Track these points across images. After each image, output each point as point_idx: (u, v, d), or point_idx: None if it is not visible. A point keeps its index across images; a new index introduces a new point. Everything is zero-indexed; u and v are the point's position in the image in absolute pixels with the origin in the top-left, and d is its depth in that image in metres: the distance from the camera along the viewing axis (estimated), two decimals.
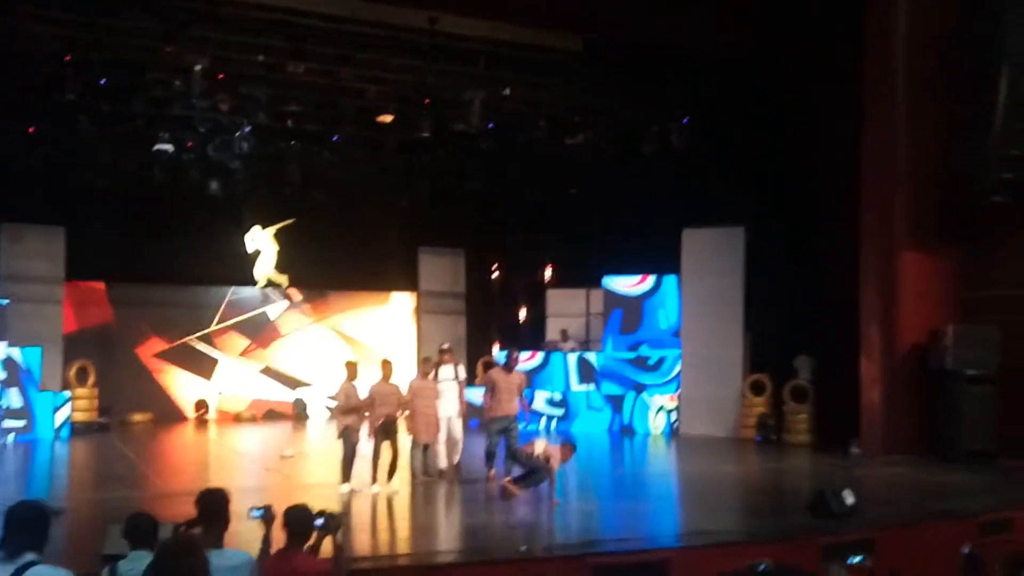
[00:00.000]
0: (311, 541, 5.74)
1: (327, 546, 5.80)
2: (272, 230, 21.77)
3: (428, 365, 13.05)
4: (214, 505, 5.32)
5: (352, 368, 12.49)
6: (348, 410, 12.06)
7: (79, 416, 18.94)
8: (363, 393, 12.29)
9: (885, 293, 15.84)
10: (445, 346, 13.93)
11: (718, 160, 18.02)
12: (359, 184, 20.83)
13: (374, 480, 11.86)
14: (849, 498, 10.22)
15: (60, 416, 18.24)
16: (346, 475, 11.83)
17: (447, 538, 9.78)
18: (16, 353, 17.65)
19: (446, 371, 13.28)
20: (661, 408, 19.93)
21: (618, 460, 16.88)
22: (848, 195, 16.34)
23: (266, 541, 5.87)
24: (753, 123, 17.53)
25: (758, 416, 18.51)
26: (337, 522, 5.81)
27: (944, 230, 15.73)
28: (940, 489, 12.54)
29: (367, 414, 12.10)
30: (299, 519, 5.62)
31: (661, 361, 20.06)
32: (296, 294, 23.51)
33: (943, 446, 15.10)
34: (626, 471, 15.67)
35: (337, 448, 12.17)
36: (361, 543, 8.36)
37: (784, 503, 12.15)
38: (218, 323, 23.02)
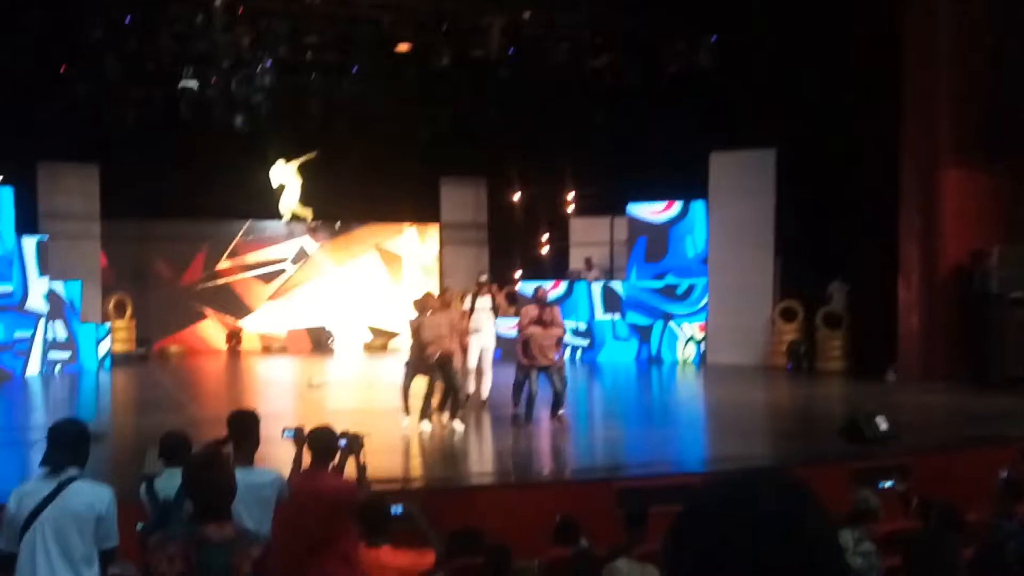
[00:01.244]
0: (335, 461, 5.87)
1: (351, 466, 5.92)
2: (295, 164, 21.86)
3: (449, 295, 12.95)
4: (244, 425, 5.46)
5: (426, 300, 11.90)
6: (421, 342, 11.27)
7: (118, 347, 19.43)
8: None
9: (926, 213, 15.46)
10: (483, 278, 13.76)
11: (747, 79, 17.37)
12: (379, 115, 20.73)
13: (424, 415, 11.16)
14: (882, 423, 10.15)
15: (103, 347, 18.67)
16: (407, 407, 11.33)
17: (470, 463, 9.89)
18: (59, 287, 18.01)
19: (483, 302, 13.18)
20: (691, 338, 19.79)
21: (645, 389, 16.92)
22: (886, 113, 15.79)
23: (297, 461, 6.04)
24: (784, 39, 16.78)
25: (789, 343, 18.18)
26: (360, 443, 5.92)
27: (989, 148, 15.13)
28: (978, 415, 12.29)
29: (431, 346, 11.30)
30: (322, 439, 5.74)
31: (690, 290, 19.84)
32: (320, 226, 23.64)
33: (983, 371, 14.78)
34: (653, 400, 15.73)
35: (380, 378, 12.10)
36: (384, 466, 8.46)
37: (815, 429, 12.06)
38: (245, 257, 23.28)
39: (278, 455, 7.10)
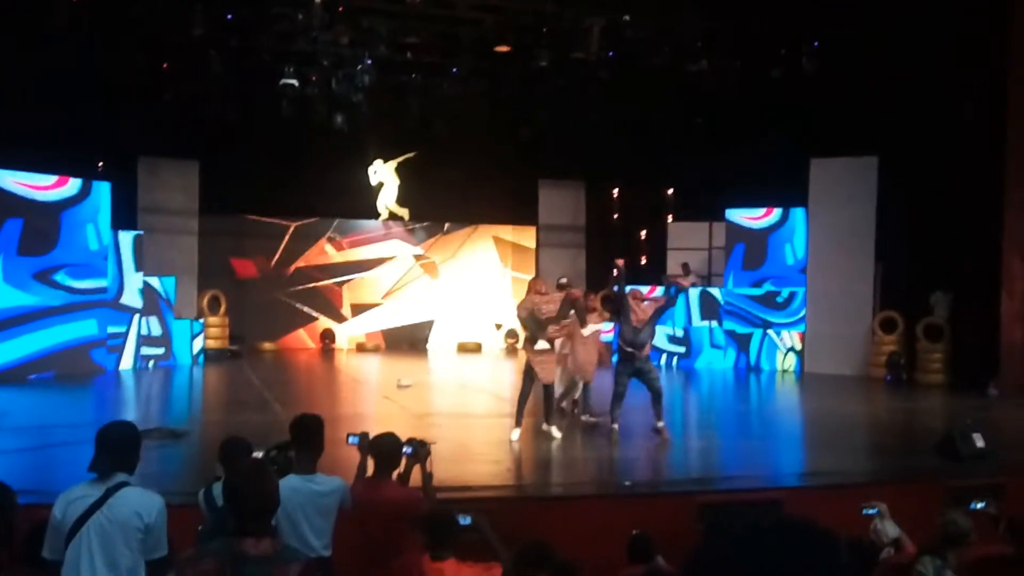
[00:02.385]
0: (400, 469, 5.72)
1: (416, 474, 5.78)
2: (394, 163, 22.04)
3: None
4: (307, 431, 5.29)
5: (535, 285, 11.31)
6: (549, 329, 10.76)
7: (212, 344, 19.70)
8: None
9: None
10: (563, 280, 13.16)
11: (849, 85, 16.97)
12: (478, 116, 20.72)
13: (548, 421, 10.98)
14: (979, 441, 9.77)
15: (197, 343, 18.97)
16: (519, 418, 10.78)
17: (550, 471, 9.67)
18: (155, 282, 18.31)
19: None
20: (791, 349, 19.33)
21: (739, 398, 16.53)
22: (993, 121, 15.31)
23: (361, 468, 5.88)
24: (887, 45, 16.35)
25: (888, 355, 17.76)
26: (426, 450, 5.76)
27: None
28: None
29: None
30: (386, 446, 5.58)
31: (791, 298, 19.40)
32: (418, 227, 23.80)
33: None
34: (747, 409, 15.34)
35: (450, 379, 12.00)
36: (457, 473, 8.33)
37: (910, 444, 11.56)
38: (341, 255, 23.54)
39: (344, 457, 6.97)
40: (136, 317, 17.71)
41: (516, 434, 10.66)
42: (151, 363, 17.89)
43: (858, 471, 9.67)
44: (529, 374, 10.85)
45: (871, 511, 6.67)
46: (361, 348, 22.98)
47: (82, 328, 16.49)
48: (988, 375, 15.52)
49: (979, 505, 7.37)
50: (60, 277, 16.13)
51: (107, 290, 17.05)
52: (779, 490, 8.67)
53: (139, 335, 17.77)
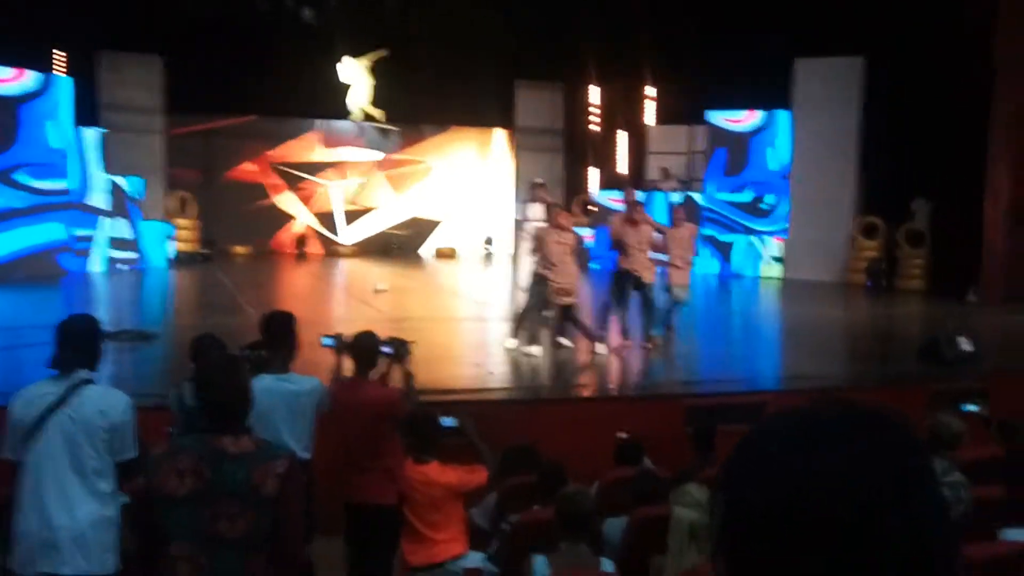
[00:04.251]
0: (381, 369, 5.47)
1: (396, 375, 5.52)
2: (366, 61, 21.26)
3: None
4: (279, 327, 5.03)
5: (538, 191, 10.62)
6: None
7: (181, 247, 19.29)
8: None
9: (1017, 130, 14.70)
10: (539, 180, 12.55)
11: None
12: (454, 10, 19.93)
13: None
14: (964, 344, 9.68)
15: (168, 246, 18.51)
16: (517, 329, 10.01)
17: (534, 376, 9.46)
18: (122, 182, 17.64)
19: (534, 210, 12.25)
20: (775, 258, 19.12)
21: (720, 304, 16.38)
22: (980, 24, 14.91)
23: (337, 369, 5.63)
24: None
25: (869, 260, 17.68)
26: (406, 349, 5.49)
27: None
28: None
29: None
30: (365, 345, 5.31)
31: (776, 205, 19.09)
32: (392, 130, 23.19)
33: None
34: (727, 315, 15.21)
35: (429, 281, 11.67)
36: (437, 376, 8.09)
37: (893, 349, 11.59)
38: (314, 157, 22.97)
39: (325, 362, 6.68)
40: (104, 219, 17.10)
41: (512, 343, 10.00)
42: (121, 266, 17.38)
43: (841, 376, 9.57)
44: (539, 289, 9.82)
45: None
46: (335, 253, 22.62)
47: (47, 232, 15.88)
48: (968, 281, 15.48)
49: (970, 407, 7.25)
50: (21, 176, 15.48)
51: (70, 191, 16.35)
52: (764, 393, 8.54)
53: (108, 237, 17.21)
